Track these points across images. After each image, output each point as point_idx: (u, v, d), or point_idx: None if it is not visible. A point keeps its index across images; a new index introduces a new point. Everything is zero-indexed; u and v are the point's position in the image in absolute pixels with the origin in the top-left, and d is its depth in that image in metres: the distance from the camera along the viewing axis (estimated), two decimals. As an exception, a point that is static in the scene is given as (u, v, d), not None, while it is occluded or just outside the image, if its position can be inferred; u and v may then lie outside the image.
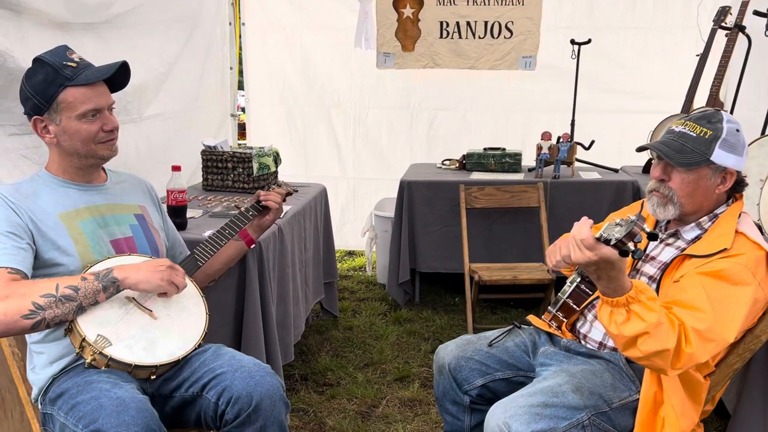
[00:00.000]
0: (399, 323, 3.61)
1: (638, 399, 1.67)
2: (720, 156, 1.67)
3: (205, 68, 4.15)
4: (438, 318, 3.67)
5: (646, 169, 3.90)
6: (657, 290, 1.70)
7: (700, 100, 3.64)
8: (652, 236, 1.41)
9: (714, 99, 3.44)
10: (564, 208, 3.61)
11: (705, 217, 1.75)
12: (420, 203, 3.68)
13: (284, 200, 2.32)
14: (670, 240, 1.79)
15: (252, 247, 2.19)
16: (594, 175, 3.80)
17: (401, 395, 2.87)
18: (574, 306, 1.83)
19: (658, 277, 1.73)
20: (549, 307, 1.87)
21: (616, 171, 3.93)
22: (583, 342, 1.87)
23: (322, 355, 3.24)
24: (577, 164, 3.81)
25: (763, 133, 2.98)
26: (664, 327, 1.44)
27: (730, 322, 1.52)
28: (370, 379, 3.01)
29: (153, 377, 1.65)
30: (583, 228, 1.44)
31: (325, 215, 3.51)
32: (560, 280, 3.22)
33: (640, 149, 1.87)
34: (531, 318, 2.01)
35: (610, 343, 1.80)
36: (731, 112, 3.33)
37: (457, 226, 3.52)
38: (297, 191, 3.08)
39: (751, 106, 3.34)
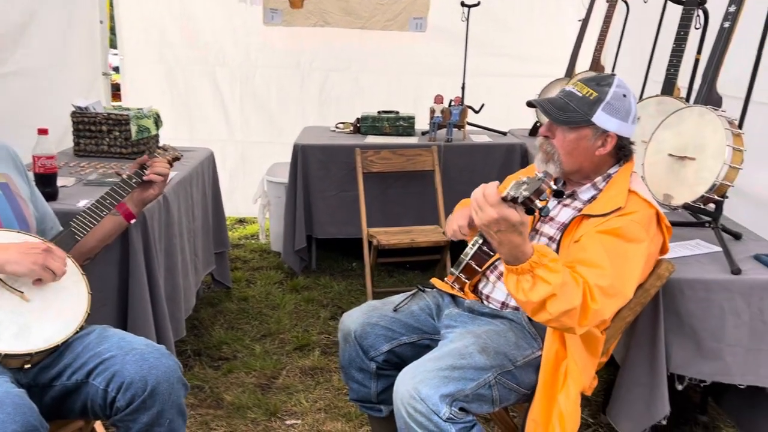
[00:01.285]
0: (296, 291, 3.53)
1: (541, 356, 1.71)
2: (601, 118, 1.71)
3: (71, 21, 3.74)
4: (336, 284, 3.62)
5: (533, 131, 4.03)
6: (557, 250, 1.74)
7: (584, 64, 3.78)
8: (557, 193, 1.43)
9: (596, 63, 3.58)
10: (457, 171, 3.65)
11: (599, 178, 1.80)
12: (315, 168, 3.58)
13: (171, 166, 2.14)
14: (568, 201, 1.83)
15: (132, 222, 2.00)
16: (484, 138, 3.87)
17: (302, 364, 2.80)
18: (477, 267, 1.85)
19: (557, 238, 1.76)
20: (452, 269, 1.88)
21: (504, 134, 4.01)
22: (485, 302, 1.89)
23: (216, 328, 3.10)
24: (468, 127, 3.86)
25: (641, 97, 3.14)
26: (569, 286, 1.46)
27: (629, 277, 1.58)
28: (268, 350, 2.92)
29: (27, 366, 1.46)
30: (489, 187, 1.43)
31: (214, 181, 3.33)
32: (456, 242, 3.27)
33: (529, 104, 1.90)
34: (434, 281, 2.01)
35: (512, 303, 1.83)
36: (611, 77, 3.47)
37: (354, 190, 3.46)
38: (182, 156, 2.87)
39: (629, 71, 3.51)
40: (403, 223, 3.55)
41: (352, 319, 1.92)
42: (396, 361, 1.90)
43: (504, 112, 4.32)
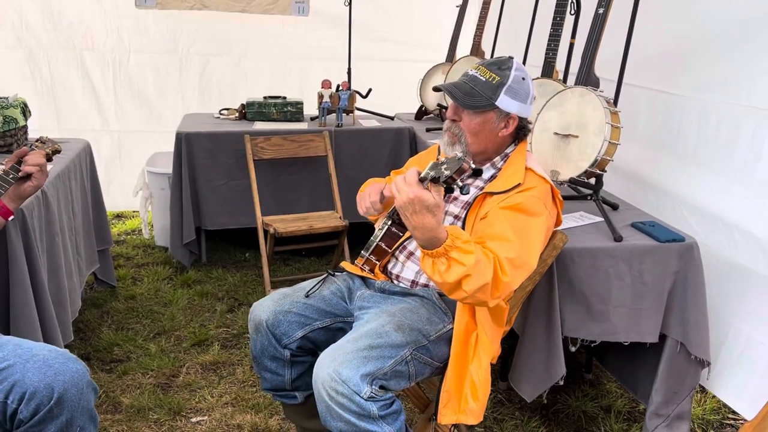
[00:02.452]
0: (188, 286, 3.39)
1: (452, 329, 1.78)
2: (504, 102, 1.79)
3: None
4: (230, 276, 3.52)
5: (418, 115, 4.13)
6: (462, 227, 1.80)
7: (464, 50, 3.92)
8: (476, 171, 1.49)
9: (477, 49, 3.72)
10: (348, 156, 3.66)
11: (498, 158, 1.89)
12: (201, 157, 3.44)
13: (51, 160, 1.99)
14: (470, 180, 1.91)
15: (10, 219, 1.84)
16: (373, 123, 3.91)
17: (202, 360, 2.71)
18: (386, 248, 1.87)
19: (463, 216, 1.83)
20: (362, 252, 1.89)
21: (391, 118, 4.08)
22: (396, 282, 1.93)
23: (104, 329, 2.92)
24: (356, 112, 3.88)
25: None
26: (481, 263, 1.52)
27: (532, 248, 1.68)
28: (164, 348, 2.79)
29: None
30: (410, 171, 1.47)
31: (92, 174, 3.11)
32: (353, 226, 3.29)
33: (435, 89, 1.95)
34: (344, 264, 2.02)
35: (422, 280, 1.88)
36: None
37: (244, 179, 3.38)
38: (62, 149, 2.66)
39: (507, 55, 3.68)
40: (297, 210, 3.51)
41: (263, 308, 1.89)
42: (310, 347, 1.89)
43: (389, 96, 4.39)
